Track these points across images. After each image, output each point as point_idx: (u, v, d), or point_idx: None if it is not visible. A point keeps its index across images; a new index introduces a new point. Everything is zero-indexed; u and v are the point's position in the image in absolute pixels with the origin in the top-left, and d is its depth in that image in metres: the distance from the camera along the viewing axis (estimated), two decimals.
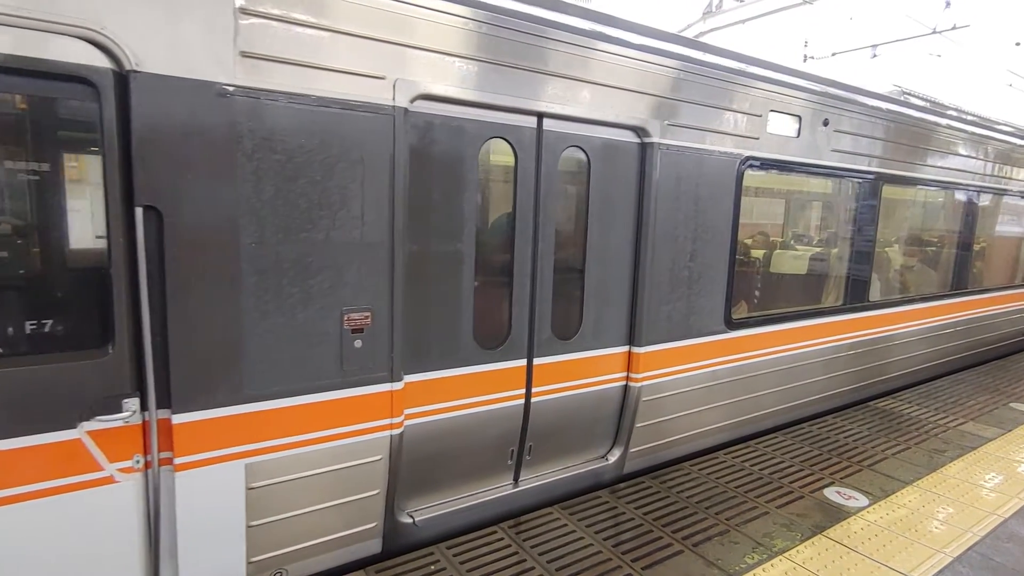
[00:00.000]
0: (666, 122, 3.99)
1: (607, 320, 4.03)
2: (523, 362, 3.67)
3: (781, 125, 4.78)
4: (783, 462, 4.67)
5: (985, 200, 7.81)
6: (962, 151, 7.03)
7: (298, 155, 2.67)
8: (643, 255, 4.05)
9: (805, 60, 13.83)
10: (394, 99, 2.89)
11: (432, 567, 3.14)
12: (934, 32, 11.57)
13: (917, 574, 3.30)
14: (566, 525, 3.61)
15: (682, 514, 3.81)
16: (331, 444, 2.94)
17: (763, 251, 6.60)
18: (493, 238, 3.55)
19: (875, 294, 6.32)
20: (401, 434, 3.16)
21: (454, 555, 3.25)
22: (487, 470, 3.71)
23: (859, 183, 5.80)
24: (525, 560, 3.24)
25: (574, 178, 3.79)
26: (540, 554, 3.31)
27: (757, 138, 4.61)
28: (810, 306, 5.69)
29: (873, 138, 5.69)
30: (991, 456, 4.99)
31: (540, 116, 3.49)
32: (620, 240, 4.00)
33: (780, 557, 3.40)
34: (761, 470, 4.50)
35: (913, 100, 6.62)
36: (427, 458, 3.39)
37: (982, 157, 7.43)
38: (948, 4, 11.12)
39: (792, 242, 7.01)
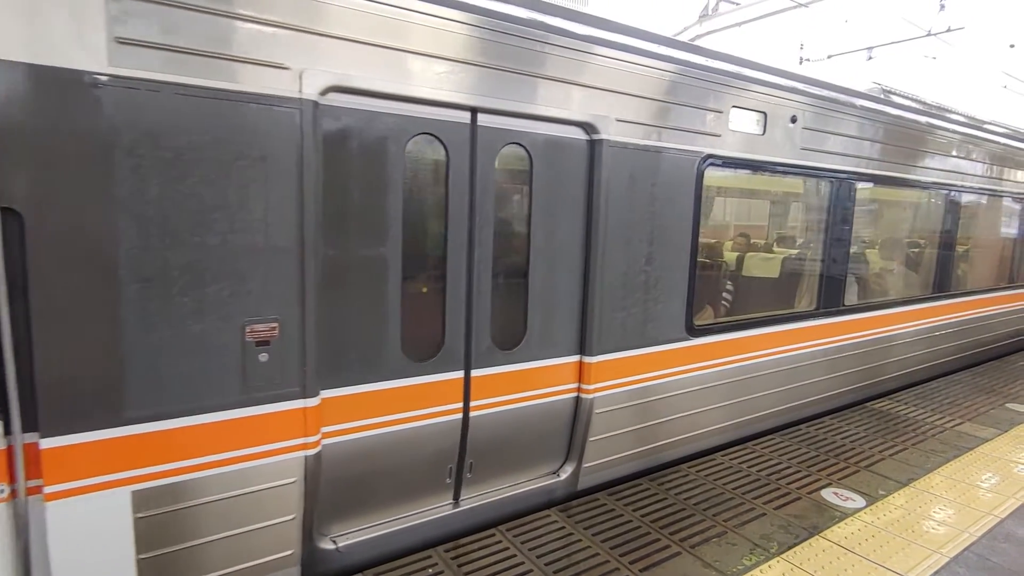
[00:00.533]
0: (617, 118, 3.77)
1: (554, 328, 3.79)
2: (460, 374, 3.44)
3: (745, 122, 4.57)
4: (780, 463, 4.68)
5: (968, 200, 7.61)
6: (943, 150, 6.83)
7: (188, 152, 2.43)
8: (594, 259, 3.81)
9: (801, 63, 13.89)
10: (301, 91, 2.65)
11: (429, 570, 3.14)
12: (929, 34, 11.64)
13: (914, 575, 3.31)
14: (563, 527, 3.61)
15: (679, 516, 3.81)
16: (235, 467, 2.71)
17: (730, 254, 6.30)
18: (422, 242, 3.32)
19: (851, 298, 6.09)
20: (318, 454, 2.94)
21: (451, 558, 3.25)
22: (422, 490, 3.46)
23: (832, 183, 5.55)
24: (523, 563, 3.25)
25: (514, 177, 3.57)
26: (538, 556, 3.31)
27: (719, 135, 4.39)
28: (780, 311, 5.43)
29: (847, 136, 5.48)
30: (988, 457, 5.00)
31: (474, 111, 3.27)
32: (568, 243, 3.76)
33: (778, 558, 3.41)
34: (758, 472, 4.51)
35: (894, 98, 6.46)
36: (352, 479, 3.16)
37: (965, 156, 7.24)
38: (943, 6, 11.18)
39: (762, 244, 6.73)
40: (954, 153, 7.03)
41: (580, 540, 3.49)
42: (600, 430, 4.05)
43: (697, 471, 4.47)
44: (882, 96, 6.27)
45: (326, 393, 2.99)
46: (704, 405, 4.72)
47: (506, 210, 3.59)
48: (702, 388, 4.65)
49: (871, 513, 3.96)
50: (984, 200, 8.03)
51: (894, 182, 6.28)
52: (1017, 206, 8.88)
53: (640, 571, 3.23)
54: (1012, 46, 15.09)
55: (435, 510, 3.51)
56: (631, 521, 3.73)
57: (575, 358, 3.93)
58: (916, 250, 7.53)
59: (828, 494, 4.20)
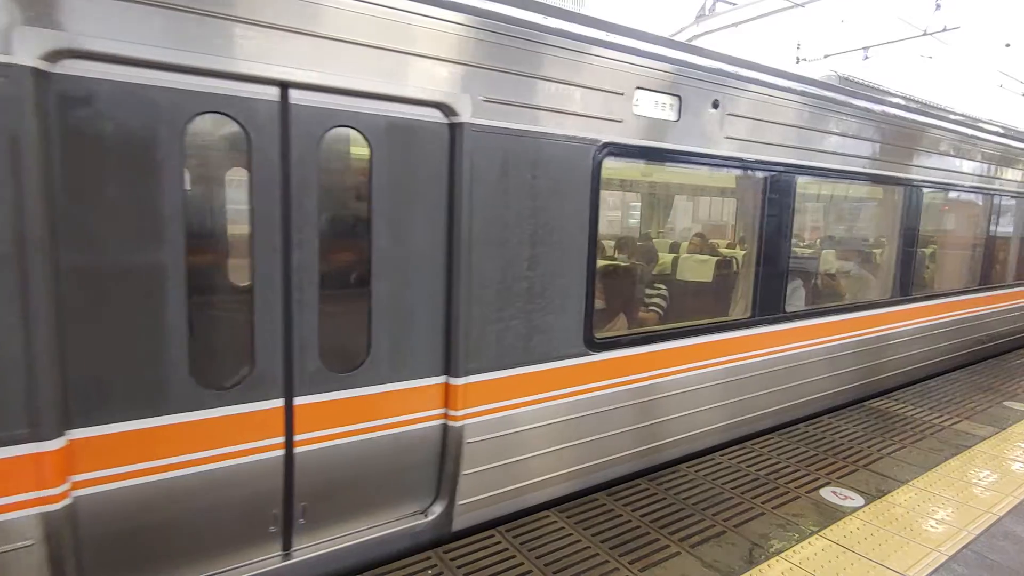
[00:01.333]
0: (483, 98, 3.22)
1: (410, 345, 3.23)
2: (278, 403, 2.88)
3: (653, 106, 4.00)
4: (779, 463, 4.68)
5: (930, 197, 6.89)
6: (902, 142, 6.21)
7: None
8: (458, 264, 3.25)
9: (798, 62, 13.92)
10: (10, 54, 2.11)
11: (429, 572, 3.14)
12: (925, 34, 11.67)
13: (913, 573, 3.31)
14: (563, 528, 3.61)
15: (679, 516, 3.82)
16: None
17: (643, 256, 5.72)
18: (216, 244, 2.81)
19: (796, 303, 5.52)
20: (68, 507, 2.40)
21: (451, 559, 3.25)
22: (237, 542, 2.89)
23: (767, 176, 4.88)
24: (523, 564, 3.24)
25: (348, 166, 3.08)
26: (537, 557, 3.31)
27: (620, 121, 3.82)
28: (705, 320, 4.79)
29: (785, 125, 4.90)
30: (986, 455, 5.02)
31: (284, 86, 2.71)
32: (425, 245, 3.21)
33: (777, 558, 3.41)
34: (757, 471, 4.51)
35: (850, 87, 5.94)
36: (130, 534, 2.61)
37: (927, 149, 6.61)
38: (938, 6, 11.21)
39: (683, 245, 6.10)
40: (915, 145, 6.46)
41: (579, 540, 3.49)
42: (476, 462, 3.50)
43: (696, 471, 4.48)
44: (837, 84, 5.83)
45: (78, 433, 2.44)
46: (611, 429, 4.13)
47: (336, 206, 3.08)
48: (607, 410, 4.08)
49: (870, 512, 3.97)
50: (947, 196, 7.44)
51: (844, 176, 5.70)
52: (987, 203, 8.24)
53: (640, 571, 3.23)
54: (1008, 45, 15.14)
55: (257, 564, 2.94)
56: (630, 521, 3.73)
57: (439, 379, 3.37)
58: (871, 251, 6.97)
59: (827, 493, 4.21)
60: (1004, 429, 5.63)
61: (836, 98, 5.43)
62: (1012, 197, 8.65)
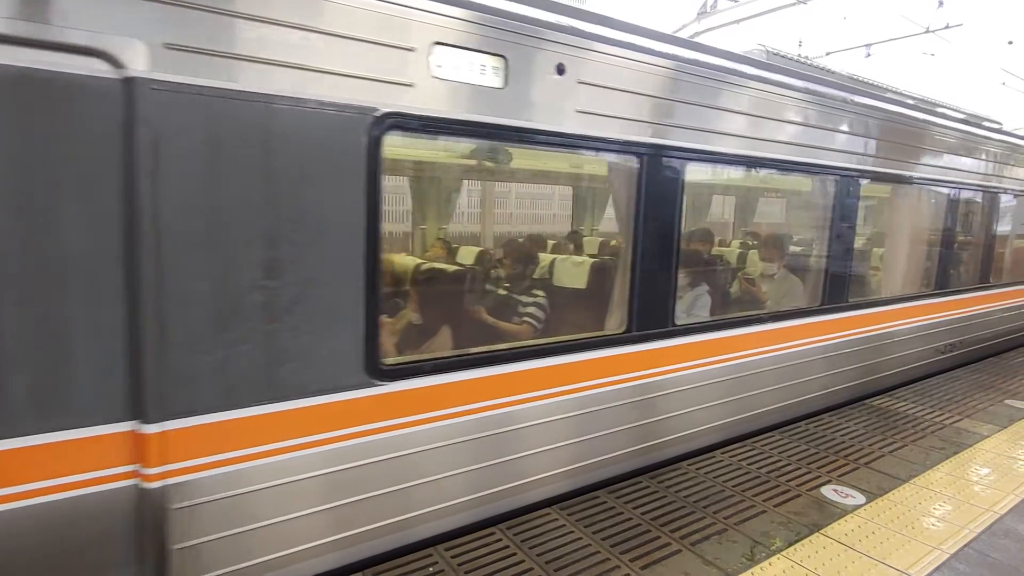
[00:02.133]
0: (168, 42, 2.36)
1: (66, 380, 2.38)
2: None
3: (463, 68, 3.17)
4: (780, 461, 4.68)
5: (866, 191, 5.86)
6: (811, 121, 5.16)
7: None
8: (141, 270, 2.43)
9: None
10: None
11: (431, 568, 3.14)
12: (927, 31, 11.66)
13: (914, 571, 3.31)
14: (564, 525, 3.61)
15: (680, 513, 3.81)
16: None
17: (454, 257, 4.87)
18: None
19: (701, 313, 4.78)
20: None
21: (452, 556, 3.25)
22: None
23: (641, 161, 3.94)
24: (523, 561, 3.24)
25: None
26: (538, 555, 3.31)
27: (410, 84, 2.99)
28: (554, 339, 3.95)
29: (668, 100, 4.02)
30: (987, 453, 5.01)
31: None
32: (82, 244, 2.35)
33: (778, 555, 3.41)
34: (759, 469, 4.51)
35: (778, 62, 5.30)
36: None
37: (864, 134, 5.65)
38: (941, 3, 11.21)
39: (519, 245, 5.25)
40: (852, 131, 5.52)
41: (581, 538, 3.49)
42: (197, 532, 2.69)
43: (697, 468, 4.47)
44: (764, 59, 5.04)
45: None
46: (416, 478, 3.29)
47: None
48: (409, 453, 3.24)
49: (871, 510, 3.97)
50: (893, 189, 6.40)
51: (755, 163, 4.80)
52: (940, 198, 7.10)
53: (641, 569, 3.23)
54: (1010, 43, 15.13)
55: None
56: (631, 519, 3.73)
57: (123, 426, 2.50)
58: (793, 252, 6.07)
59: (828, 491, 4.20)
60: (1005, 427, 5.62)
61: (740, 69, 4.54)
62: (970, 190, 7.58)
